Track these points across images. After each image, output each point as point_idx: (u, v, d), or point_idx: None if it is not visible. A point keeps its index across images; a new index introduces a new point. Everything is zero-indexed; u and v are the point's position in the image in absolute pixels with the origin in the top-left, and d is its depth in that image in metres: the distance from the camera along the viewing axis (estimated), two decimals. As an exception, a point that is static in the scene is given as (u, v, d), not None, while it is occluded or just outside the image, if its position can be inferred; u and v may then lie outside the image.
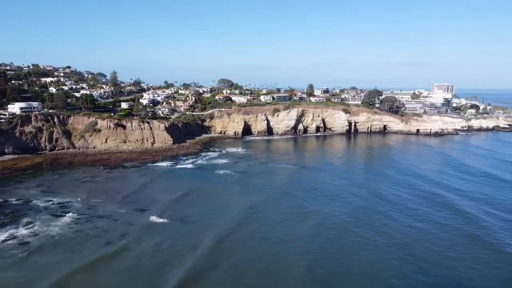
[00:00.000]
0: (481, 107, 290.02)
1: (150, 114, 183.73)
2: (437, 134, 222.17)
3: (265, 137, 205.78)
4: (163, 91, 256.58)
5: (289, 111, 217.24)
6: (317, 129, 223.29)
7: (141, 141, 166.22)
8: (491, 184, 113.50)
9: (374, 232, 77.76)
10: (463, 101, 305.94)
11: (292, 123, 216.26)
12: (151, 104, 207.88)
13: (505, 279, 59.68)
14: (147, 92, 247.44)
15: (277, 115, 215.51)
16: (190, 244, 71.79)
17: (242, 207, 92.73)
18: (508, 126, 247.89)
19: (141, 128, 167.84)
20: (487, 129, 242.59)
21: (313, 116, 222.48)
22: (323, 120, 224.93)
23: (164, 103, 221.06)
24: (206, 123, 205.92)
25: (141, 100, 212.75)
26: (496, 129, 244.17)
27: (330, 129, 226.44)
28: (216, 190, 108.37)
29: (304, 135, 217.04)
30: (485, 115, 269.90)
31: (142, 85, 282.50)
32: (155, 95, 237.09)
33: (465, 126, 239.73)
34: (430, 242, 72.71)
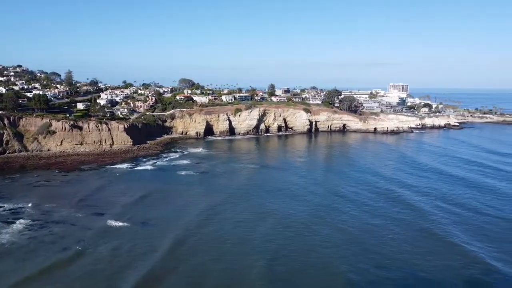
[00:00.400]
0: (434, 106, 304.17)
1: (108, 115, 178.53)
2: (393, 132, 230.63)
3: (227, 137, 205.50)
4: (122, 91, 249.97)
5: (251, 111, 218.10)
6: (279, 128, 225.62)
7: (99, 143, 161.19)
8: (442, 179, 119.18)
9: (332, 229, 79.59)
10: (417, 100, 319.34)
11: (254, 122, 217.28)
12: (109, 105, 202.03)
13: (455, 268, 62.77)
14: (104, 92, 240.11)
15: (239, 115, 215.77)
16: (150, 247, 70.50)
17: (203, 208, 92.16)
18: (458, 124, 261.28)
19: (99, 129, 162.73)
20: (439, 127, 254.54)
21: (275, 115, 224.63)
22: (284, 119, 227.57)
23: (123, 103, 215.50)
24: (167, 124, 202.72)
25: (98, 101, 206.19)
26: (447, 126, 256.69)
27: (291, 128, 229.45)
28: (177, 191, 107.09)
29: (266, 134, 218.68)
30: (437, 113, 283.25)
31: (99, 85, 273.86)
32: (113, 95, 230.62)
33: (419, 124, 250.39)
34: (386, 237, 75.34)
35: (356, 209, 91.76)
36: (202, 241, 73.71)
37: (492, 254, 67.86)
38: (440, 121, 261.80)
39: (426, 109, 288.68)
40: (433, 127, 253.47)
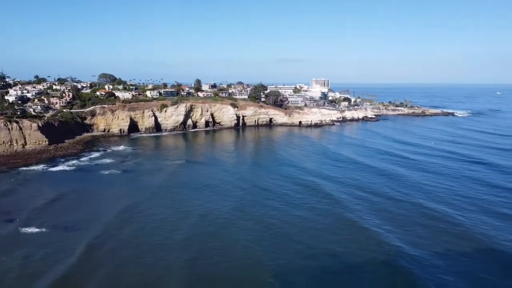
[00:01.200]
0: (352, 100, 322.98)
1: (19, 113, 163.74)
2: (317, 125, 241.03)
3: (153, 134, 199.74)
4: (34, 87, 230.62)
5: (177, 107, 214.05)
6: (206, 123, 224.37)
7: (9, 143, 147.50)
8: (359, 169, 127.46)
9: (256, 222, 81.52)
10: (338, 95, 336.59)
11: (181, 118, 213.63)
12: (19, 101, 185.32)
13: (371, 251, 67.75)
14: (13, 88, 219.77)
15: (165, 111, 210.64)
16: (66, 251, 67.11)
17: (124, 208, 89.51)
18: (374, 117, 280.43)
19: (9, 129, 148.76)
20: (358, 119, 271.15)
21: (202, 111, 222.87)
22: (212, 114, 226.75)
23: (36, 99, 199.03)
24: (87, 121, 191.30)
25: (6, 97, 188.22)
26: (365, 119, 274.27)
27: (219, 123, 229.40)
28: (99, 191, 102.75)
29: (193, 130, 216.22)
30: (356, 107, 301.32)
31: (7, 80, 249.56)
32: (24, 91, 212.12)
33: (340, 117, 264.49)
34: (308, 227, 78.93)
35: (280, 202, 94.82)
36: (122, 242, 71.58)
37: (402, 237, 74.12)
38: (359, 114, 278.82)
39: (346, 103, 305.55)
40: (352, 120, 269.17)
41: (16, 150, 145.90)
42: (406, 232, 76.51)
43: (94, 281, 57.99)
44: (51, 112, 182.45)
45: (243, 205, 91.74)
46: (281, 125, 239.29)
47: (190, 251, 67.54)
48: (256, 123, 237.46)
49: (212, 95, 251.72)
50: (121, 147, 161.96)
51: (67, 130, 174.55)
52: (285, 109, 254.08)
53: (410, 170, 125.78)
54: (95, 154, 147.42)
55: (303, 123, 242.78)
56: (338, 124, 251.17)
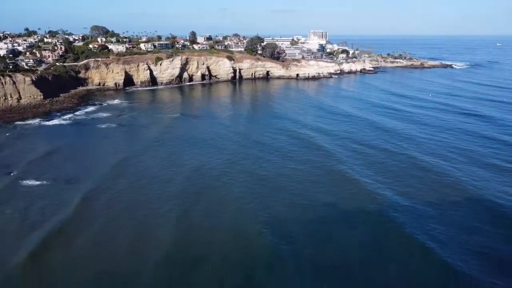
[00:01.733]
0: (350, 52, 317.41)
1: (11, 67, 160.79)
2: (314, 78, 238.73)
3: (149, 87, 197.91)
4: (25, 40, 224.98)
5: (173, 60, 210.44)
6: (203, 77, 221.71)
7: (4, 98, 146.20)
8: (357, 123, 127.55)
9: (249, 175, 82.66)
10: (336, 47, 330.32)
11: (177, 71, 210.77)
12: (10, 55, 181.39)
13: (363, 202, 69.63)
14: (3, 41, 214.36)
15: (160, 64, 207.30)
16: (64, 203, 68.72)
17: (120, 161, 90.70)
18: (372, 69, 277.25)
19: (2, 83, 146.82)
20: (356, 72, 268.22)
21: (198, 64, 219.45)
22: (208, 67, 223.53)
23: (28, 53, 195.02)
24: (81, 75, 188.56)
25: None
26: (363, 71, 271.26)
27: (215, 76, 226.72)
28: (95, 145, 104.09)
29: (189, 83, 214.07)
30: (354, 59, 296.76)
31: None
32: (15, 44, 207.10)
33: (338, 70, 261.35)
34: (305, 180, 79.83)
35: (274, 155, 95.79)
36: (117, 194, 72.99)
37: (394, 188, 75.83)
38: (357, 66, 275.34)
39: (344, 55, 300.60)
40: (350, 72, 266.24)
41: (11, 105, 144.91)
42: (398, 183, 78.17)
43: (90, 233, 59.65)
44: (43, 66, 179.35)
45: (238, 158, 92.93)
46: (278, 78, 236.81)
47: (184, 203, 69.19)
48: (253, 76, 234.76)
49: (208, 48, 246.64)
50: (117, 101, 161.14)
51: (61, 84, 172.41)
52: (282, 61, 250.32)
53: (405, 123, 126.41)
54: (90, 108, 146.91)
55: (300, 75, 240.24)
56: (336, 76, 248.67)
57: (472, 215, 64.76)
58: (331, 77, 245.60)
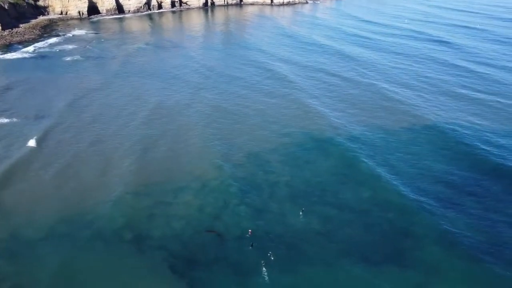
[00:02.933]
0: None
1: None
2: (289, 4, 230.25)
3: (115, 16, 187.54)
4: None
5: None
6: (172, 4, 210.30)
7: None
8: (330, 54, 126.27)
9: (215, 108, 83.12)
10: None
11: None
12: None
13: (324, 131, 72.02)
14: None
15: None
16: (26, 139, 68.52)
17: (85, 94, 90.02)
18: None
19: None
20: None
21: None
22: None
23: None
24: (40, 3, 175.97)
25: None
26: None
27: (186, 3, 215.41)
28: (60, 78, 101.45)
29: (158, 11, 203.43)
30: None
31: None
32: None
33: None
34: (279, 113, 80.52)
35: (243, 87, 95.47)
36: (80, 129, 72.87)
37: (358, 119, 78.27)
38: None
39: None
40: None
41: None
42: (365, 113, 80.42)
43: (54, 168, 60.18)
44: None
45: (205, 91, 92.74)
46: (252, 4, 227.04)
47: (149, 136, 70.11)
48: (226, 2, 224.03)
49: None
50: (82, 32, 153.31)
51: (19, 13, 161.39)
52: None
53: (378, 53, 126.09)
54: (54, 40, 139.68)
55: (274, 2, 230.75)
56: (311, 2, 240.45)
57: (432, 145, 67.09)
58: (307, 2, 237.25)
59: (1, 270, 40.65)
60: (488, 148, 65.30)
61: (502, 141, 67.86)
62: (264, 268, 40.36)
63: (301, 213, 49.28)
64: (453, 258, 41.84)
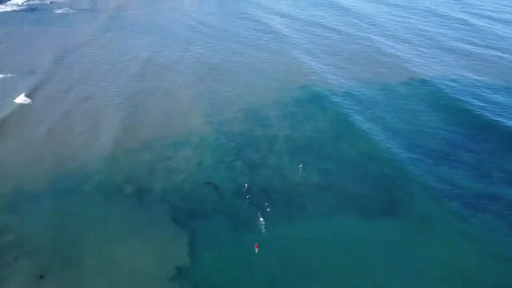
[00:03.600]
0: None
1: None
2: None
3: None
4: None
5: None
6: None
7: None
8: (327, 7, 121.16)
9: (203, 64, 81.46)
10: None
11: None
12: None
13: (319, 88, 71.36)
14: None
15: None
16: (13, 94, 67.80)
17: (76, 49, 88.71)
18: None
19: None
20: None
21: None
22: None
23: None
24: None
25: None
26: None
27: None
28: (52, 32, 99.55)
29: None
30: None
31: None
32: None
33: None
34: (266, 68, 79.89)
35: (233, 42, 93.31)
36: (71, 85, 72.12)
37: (354, 74, 77.17)
38: None
39: None
40: None
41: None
42: (358, 68, 79.26)
43: (46, 124, 59.85)
44: None
45: (194, 46, 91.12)
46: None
47: (138, 93, 69.44)
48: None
49: None
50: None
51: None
52: None
53: (374, 4, 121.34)
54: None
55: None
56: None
57: (429, 100, 66.87)
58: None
59: (4, 223, 41.49)
60: (484, 104, 64.96)
61: (499, 97, 67.65)
62: (261, 219, 41.44)
63: (300, 166, 50.07)
64: (445, 210, 42.93)
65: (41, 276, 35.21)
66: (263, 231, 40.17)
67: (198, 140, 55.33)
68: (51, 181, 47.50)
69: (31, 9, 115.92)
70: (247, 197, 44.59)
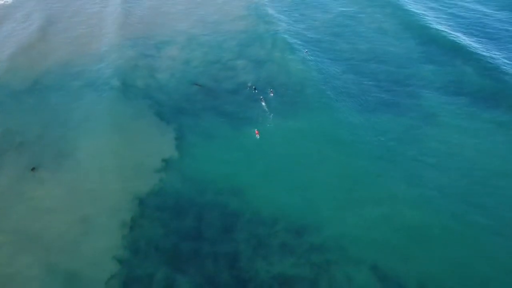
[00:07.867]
0: None
1: None
2: None
3: None
4: None
5: None
6: None
7: None
8: None
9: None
10: None
11: None
12: None
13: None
14: None
15: None
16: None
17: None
18: None
19: None
20: None
21: None
22: None
23: None
24: None
25: None
26: None
27: None
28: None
29: None
30: None
31: None
32: None
33: None
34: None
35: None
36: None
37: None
38: None
39: None
40: None
41: None
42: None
43: (33, 25, 57.43)
44: None
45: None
46: None
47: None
48: None
49: None
50: None
51: None
52: None
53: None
54: None
55: None
56: None
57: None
58: None
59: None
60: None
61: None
62: (263, 103, 41.03)
63: (305, 51, 48.92)
64: (450, 104, 40.32)
65: (33, 169, 35.21)
66: (266, 120, 39.16)
67: (189, 39, 53.24)
68: (38, 78, 46.05)
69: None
70: (253, 88, 43.46)
